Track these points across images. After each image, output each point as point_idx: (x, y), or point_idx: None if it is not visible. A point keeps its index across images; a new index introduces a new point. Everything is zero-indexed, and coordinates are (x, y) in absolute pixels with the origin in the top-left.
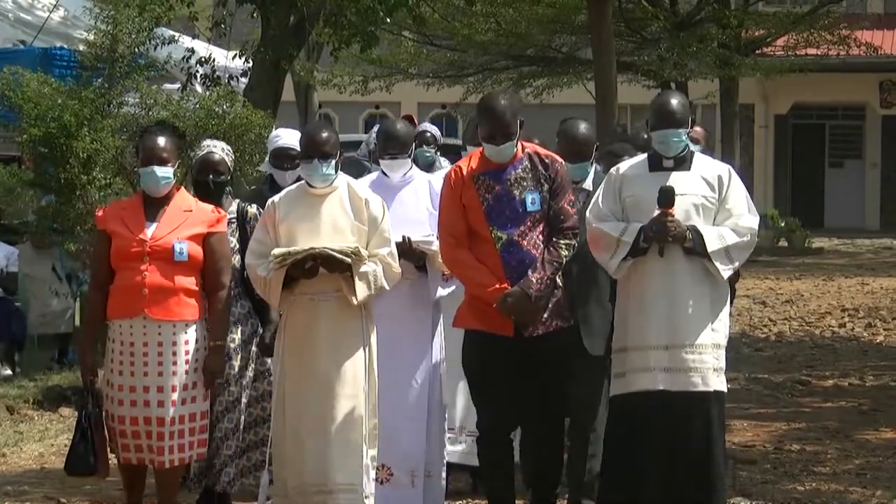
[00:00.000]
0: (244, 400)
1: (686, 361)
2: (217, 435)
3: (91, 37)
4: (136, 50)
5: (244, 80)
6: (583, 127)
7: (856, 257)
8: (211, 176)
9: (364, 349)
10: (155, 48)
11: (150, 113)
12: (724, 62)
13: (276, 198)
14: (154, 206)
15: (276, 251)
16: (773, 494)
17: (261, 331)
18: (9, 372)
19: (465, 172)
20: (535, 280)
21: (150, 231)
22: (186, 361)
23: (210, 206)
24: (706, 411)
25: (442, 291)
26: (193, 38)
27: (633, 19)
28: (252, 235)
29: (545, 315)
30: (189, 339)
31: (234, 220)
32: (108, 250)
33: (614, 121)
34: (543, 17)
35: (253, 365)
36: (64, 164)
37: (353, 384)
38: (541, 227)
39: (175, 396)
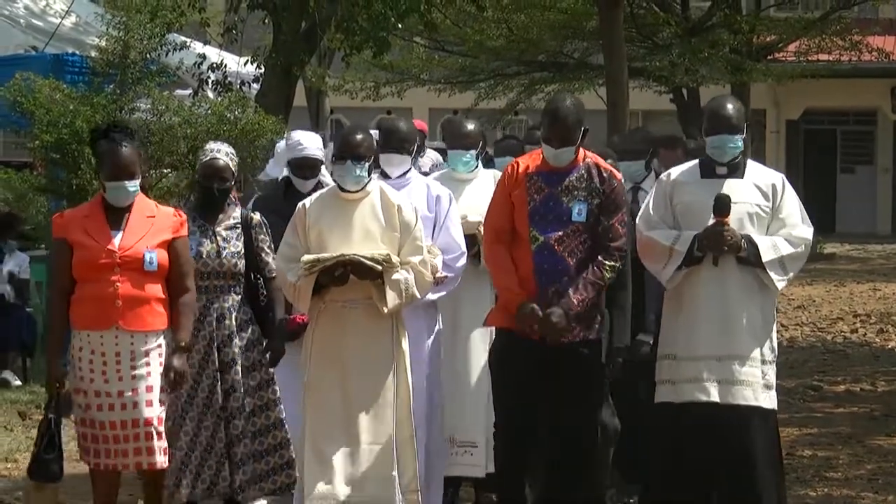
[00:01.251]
0: (248, 409)
1: (738, 374)
2: (225, 441)
3: (103, 43)
4: (148, 56)
5: (256, 85)
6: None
7: (867, 263)
8: (216, 183)
9: (394, 358)
10: (167, 54)
11: (162, 119)
12: (735, 67)
13: (307, 201)
14: (116, 213)
15: (306, 258)
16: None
17: (262, 339)
18: (18, 382)
19: (520, 170)
20: (576, 301)
21: (118, 240)
22: (160, 364)
23: (171, 210)
24: (759, 426)
25: (431, 296)
26: (205, 43)
27: (645, 25)
28: (264, 238)
29: (573, 323)
30: (161, 345)
31: (238, 226)
32: (70, 260)
33: (626, 126)
34: (555, 22)
35: (257, 373)
36: (76, 169)
37: (382, 394)
38: (582, 238)
39: (153, 397)
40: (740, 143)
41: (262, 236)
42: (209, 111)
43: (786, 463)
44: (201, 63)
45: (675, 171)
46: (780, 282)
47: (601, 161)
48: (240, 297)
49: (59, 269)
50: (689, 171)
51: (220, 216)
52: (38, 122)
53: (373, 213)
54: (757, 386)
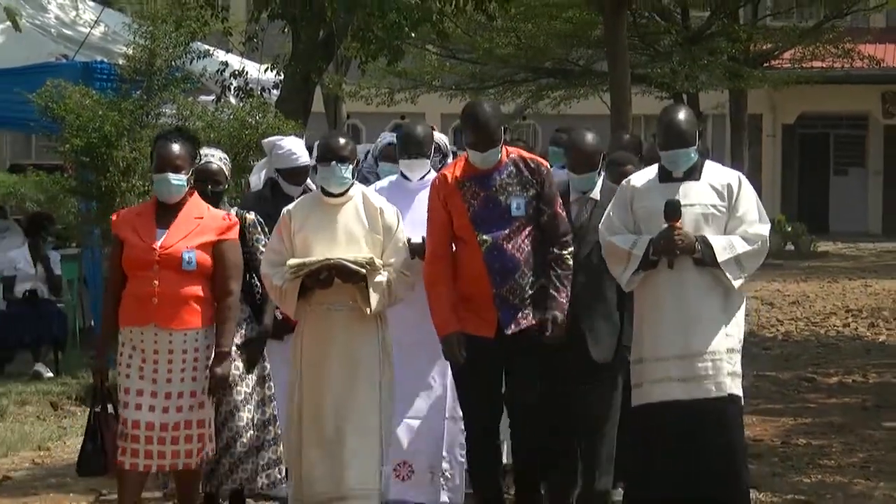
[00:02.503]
0: (251, 402)
1: (700, 370)
2: (227, 435)
3: (130, 51)
4: (173, 63)
5: (276, 91)
6: (590, 136)
7: (859, 260)
8: (209, 186)
9: (379, 358)
10: (191, 62)
11: (187, 123)
12: (733, 74)
13: (290, 207)
14: (166, 212)
15: (292, 262)
16: (781, 486)
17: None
18: (50, 374)
19: (450, 179)
20: (563, 301)
21: (161, 239)
22: (195, 368)
23: (222, 213)
24: (721, 415)
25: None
26: (227, 52)
27: (647, 33)
28: (259, 237)
29: (526, 311)
30: (199, 347)
31: None
32: (121, 256)
33: (628, 130)
34: (561, 31)
35: (255, 370)
36: (104, 172)
37: (369, 392)
38: (526, 232)
39: (183, 402)
40: (694, 155)
41: (258, 235)
42: (231, 116)
43: (781, 451)
44: (224, 70)
45: (634, 177)
46: (736, 280)
47: (525, 153)
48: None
49: (111, 265)
50: (648, 176)
51: None
52: (69, 127)
53: (356, 216)
54: (720, 377)
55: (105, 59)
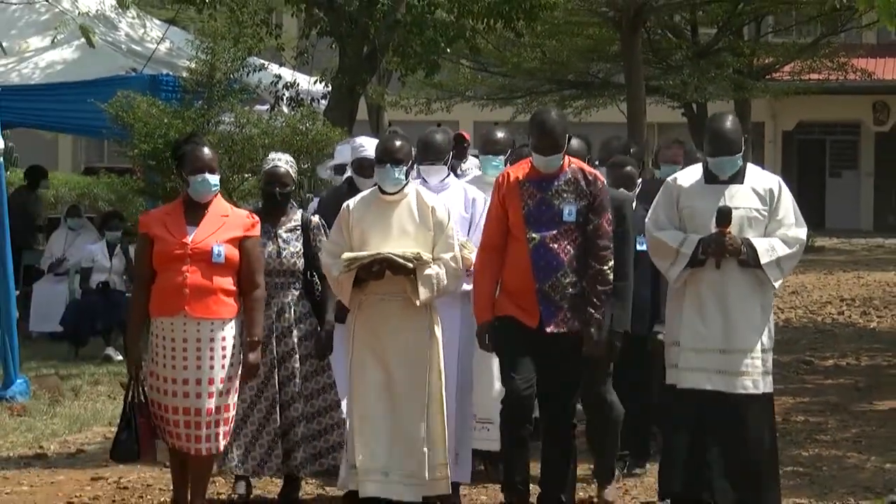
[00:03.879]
0: (306, 392)
1: (740, 365)
2: (284, 422)
3: (193, 65)
4: (231, 76)
5: (324, 101)
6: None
7: (852, 254)
8: (277, 188)
9: (428, 345)
10: (247, 74)
11: (244, 130)
12: (738, 86)
13: (350, 202)
14: (195, 211)
15: (345, 255)
16: (781, 459)
17: (318, 329)
18: (120, 357)
19: (512, 178)
20: (601, 317)
21: (192, 235)
22: (223, 356)
23: (245, 212)
24: (757, 412)
25: (467, 286)
26: (280, 65)
27: (660, 49)
28: (322, 239)
29: (568, 314)
30: (226, 336)
31: (298, 228)
32: (151, 253)
33: (643, 137)
34: (582, 47)
35: (314, 360)
36: (169, 174)
37: (417, 378)
38: (573, 237)
39: (212, 388)
40: (739, 162)
41: (321, 237)
42: (284, 124)
43: (781, 427)
44: (277, 82)
45: (681, 176)
46: (776, 281)
47: (585, 166)
48: (298, 292)
49: (140, 261)
50: (693, 176)
51: (282, 219)
52: (137, 134)
53: (409, 213)
54: (756, 374)
55: (170, 73)
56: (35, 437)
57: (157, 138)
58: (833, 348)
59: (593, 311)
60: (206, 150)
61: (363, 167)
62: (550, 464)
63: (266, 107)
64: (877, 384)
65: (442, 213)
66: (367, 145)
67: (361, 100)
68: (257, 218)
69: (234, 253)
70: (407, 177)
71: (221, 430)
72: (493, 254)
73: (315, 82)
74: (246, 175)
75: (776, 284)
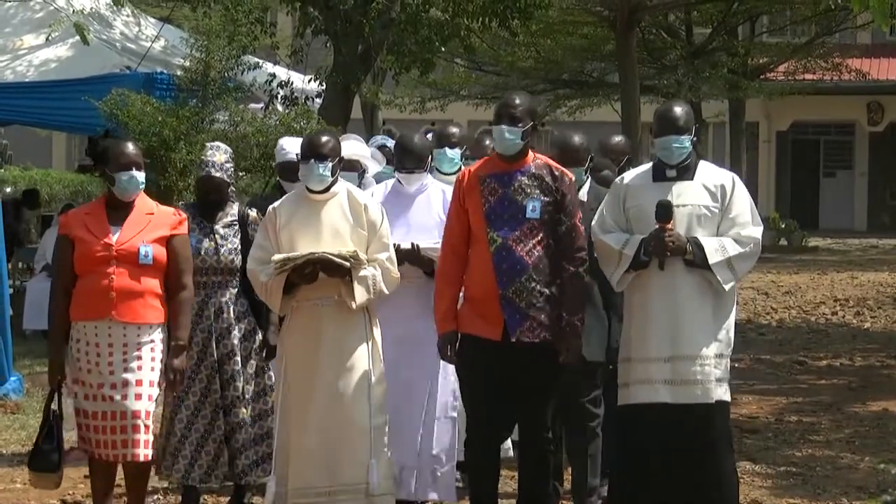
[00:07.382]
0: (247, 395)
1: (688, 374)
2: (226, 427)
3: (187, 63)
4: (226, 74)
5: (318, 100)
6: (577, 137)
7: (846, 255)
8: (213, 196)
9: (367, 351)
10: (242, 73)
11: (238, 129)
12: (732, 86)
13: (276, 204)
14: (118, 210)
15: (276, 257)
16: (775, 459)
17: (258, 328)
18: None
19: (472, 175)
20: (578, 324)
21: (116, 235)
22: (152, 359)
23: (171, 209)
24: (709, 422)
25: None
26: (275, 64)
27: (654, 48)
28: (252, 238)
29: (535, 324)
30: (155, 339)
31: (235, 223)
32: (72, 255)
33: (638, 137)
34: (576, 46)
35: (254, 361)
36: (163, 172)
37: (357, 386)
38: (538, 237)
39: (140, 390)
40: (687, 144)
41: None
42: (278, 122)
43: (775, 427)
44: (272, 81)
45: (628, 175)
46: (727, 283)
47: (552, 162)
48: (236, 290)
49: (61, 264)
50: (641, 174)
51: (219, 213)
52: (131, 131)
53: (341, 212)
54: (708, 383)
55: (165, 71)
56: (28, 435)
57: (151, 136)
58: (827, 348)
59: (569, 317)
60: (131, 146)
61: (286, 171)
62: (526, 482)
63: (260, 105)
64: (870, 384)
65: (375, 212)
66: (289, 147)
67: (356, 98)
68: (184, 215)
69: (162, 253)
70: (334, 174)
71: (152, 436)
72: (454, 258)
73: (310, 81)
74: (241, 174)
75: (727, 287)
